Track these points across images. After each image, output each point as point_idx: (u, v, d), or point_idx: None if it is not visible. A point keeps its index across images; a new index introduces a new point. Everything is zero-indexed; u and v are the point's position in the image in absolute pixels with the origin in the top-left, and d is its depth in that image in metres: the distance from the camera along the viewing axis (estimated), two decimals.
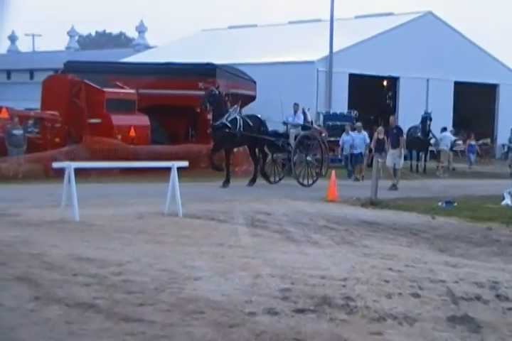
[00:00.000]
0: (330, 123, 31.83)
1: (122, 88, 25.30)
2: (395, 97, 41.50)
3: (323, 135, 26.96)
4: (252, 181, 19.90)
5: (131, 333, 5.58)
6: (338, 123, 31.14)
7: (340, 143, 24.44)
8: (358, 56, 37.29)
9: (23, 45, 75.93)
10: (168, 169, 13.14)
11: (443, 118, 34.71)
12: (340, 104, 35.40)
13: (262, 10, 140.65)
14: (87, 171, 17.34)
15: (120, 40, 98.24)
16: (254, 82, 30.25)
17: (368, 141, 23.39)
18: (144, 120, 24.24)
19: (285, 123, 20.96)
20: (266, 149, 20.68)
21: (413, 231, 11.60)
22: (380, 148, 21.50)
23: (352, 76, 37.58)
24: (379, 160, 18.15)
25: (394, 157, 20.28)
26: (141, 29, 64.20)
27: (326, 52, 35.88)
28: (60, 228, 10.78)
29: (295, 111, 21.15)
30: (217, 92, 19.76)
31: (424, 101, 38.62)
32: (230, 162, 19.85)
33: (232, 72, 29.01)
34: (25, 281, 7.11)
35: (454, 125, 38.06)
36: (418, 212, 14.14)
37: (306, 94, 35.09)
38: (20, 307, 6.19)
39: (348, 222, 12.45)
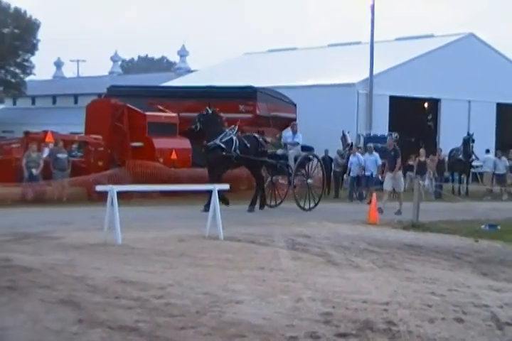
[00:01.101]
0: (370, 145, 31.71)
1: (164, 111, 25.60)
2: (436, 119, 41.16)
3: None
4: (252, 205, 18.81)
5: None
6: (379, 145, 30.98)
7: (348, 165, 24.22)
8: (399, 78, 37.18)
9: (68, 71, 77.66)
10: (209, 192, 13.22)
11: (485, 140, 34.32)
12: (381, 126, 35.24)
13: (302, 33, 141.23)
14: (128, 194, 17.52)
15: (162, 64, 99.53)
16: (295, 105, 30.35)
17: (379, 162, 23.10)
18: (185, 143, 24.43)
19: (284, 144, 20.12)
20: (264, 171, 19.87)
21: (456, 254, 11.46)
22: (421, 170, 21.25)
23: (392, 98, 37.44)
24: (420, 182, 18.00)
25: (393, 180, 19.36)
26: (182, 53, 65.10)
27: (367, 75, 35.84)
28: (103, 251, 10.88)
29: (294, 131, 20.23)
30: (209, 112, 18.78)
31: (466, 123, 38.25)
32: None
33: (272, 94, 29.17)
34: (69, 304, 7.17)
35: (497, 147, 37.57)
36: (461, 234, 13.99)
37: (346, 116, 35.13)
38: (65, 330, 6.24)
39: (390, 245, 12.35)
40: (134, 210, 16.53)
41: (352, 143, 28.35)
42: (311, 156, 20.35)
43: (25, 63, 63.27)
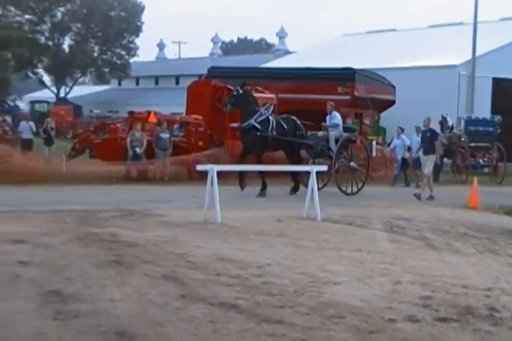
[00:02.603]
0: (471, 128, 30.87)
1: (262, 92, 25.72)
2: None
3: (463, 140, 26.18)
4: (294, 190, 17.79)
5: (272, 334, 5.69)
6: (481, 128, 30.15)
7: (391, 146, 23.14)
8: (503, 59, 35.94)
9: (170, 53, 79.10)
10: (308, 173, 13.27)
11: None
12: (483, 109, 34.21)
13: (401, 14, 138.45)
14: (227, 174, 17.76)
15: (261, 46, 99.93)
16: (394, 87, 29.89)
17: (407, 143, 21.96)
18: None
19: (324, 127, 18.73)
20: (305, 154, 18.80)
21: None
22: None
23: (496, 80, 36.27)
24: None
25: (426, 164, 17.93)
26: (281, 35, 65.08)
27: (469, 56, 34.81)
28: (203, 229, 11.11)
29: (330, 111, 18.81)
30: (240, 92, 17.75)
31: None
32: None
33: (371, 76, 28.82)
34: (171, 280, 7.39)
35: None
36: None
37: (447, 98, 34.28)
38: (168, 304, 6.45)
39: (491, 230, 12.08)
40: (232, 190, 16.75)
41: (453, 126, 27.68)
42: (353, 137, 19.00)
43: (130, 45, 64.90)
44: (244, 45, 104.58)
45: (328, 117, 18.71)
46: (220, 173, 13.05)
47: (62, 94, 65.62)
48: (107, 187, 18.00)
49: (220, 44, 75.73)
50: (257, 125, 17.33)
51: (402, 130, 22.83)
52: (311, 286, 7.30)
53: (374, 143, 22.39)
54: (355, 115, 28.03)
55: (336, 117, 18.60)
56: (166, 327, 5.80)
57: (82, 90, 71.60)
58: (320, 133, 18.61)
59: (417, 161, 20.93)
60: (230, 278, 7.58)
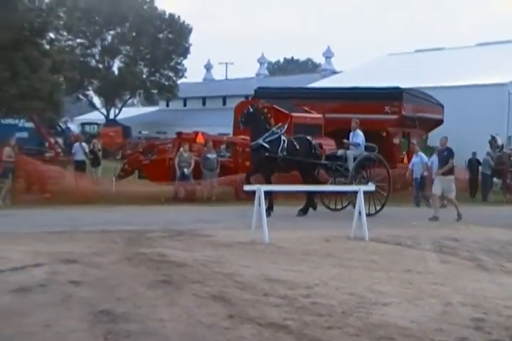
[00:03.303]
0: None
1: (309, 112, 25.78)
2: None
3: None
4: (303, 211, 17.22)
5: None
6: None
7: (410, 166, 22.14)
8: None
9: (217, 73, 79.92)
10: (355, 193, 13.22)
11: None
12: None
13: (449, 33, 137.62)
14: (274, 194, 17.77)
15: (307, 66, 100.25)
16: (442, 106, 29.67)
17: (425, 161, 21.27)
18: (331, 144, 24.47)
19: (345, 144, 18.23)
20: (325, 173, 18.27)
21: None
22: None
23: None
24: None
25: (443, 184, 17.02)
26: (328, 55, 65.23)
27: None
28: (251, 249, 11.13)
29: (354, 129, 18.03)
30: (251, 110, 17.52)
31: None
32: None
33: (418, 95, 28.68)
34: (219, 300, 7.41)
35: None
36: None
37: (496, 117, 33.94)
38: (216, 324, 6.46)
39: None
40: (279, 209, 16.79)
41: (503, 145, 27.31)
42: (372, 156, 18.13)
43: (178, 66, 65.79)
44: (290, 66, 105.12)
45: (351, 134, 18.08)
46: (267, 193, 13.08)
47: (111, 116, 66.73)
48: (156, 208, 18.20)
49: (266, 64, 76.23)
50: (265, 144, 16.93)
51: (419, 148, 22.38)
52: (359, 307, 7.25)
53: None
54: (403, 134, 27.88)
55: (359, 136, 17.93)
56: None
57: (131, 111, 72.73)
58: (339, 152, 18.17)
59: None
60: (278, 298, 7.57)
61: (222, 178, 21.19)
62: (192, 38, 65.94)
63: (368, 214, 16.46)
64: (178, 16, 65.08)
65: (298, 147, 17.43)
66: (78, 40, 64.56)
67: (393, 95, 27.03)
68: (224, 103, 62.18)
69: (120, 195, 19.37)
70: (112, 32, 65.66)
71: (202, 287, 7.99)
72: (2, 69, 24.66)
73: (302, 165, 17.67)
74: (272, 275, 8.78)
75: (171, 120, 59.97)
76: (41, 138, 32.70)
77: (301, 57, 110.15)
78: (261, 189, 12.43)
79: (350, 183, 16.91)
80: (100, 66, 65.92)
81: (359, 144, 17.84)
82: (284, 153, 17.08)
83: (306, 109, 26.07)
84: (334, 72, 58.55)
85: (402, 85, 28.64)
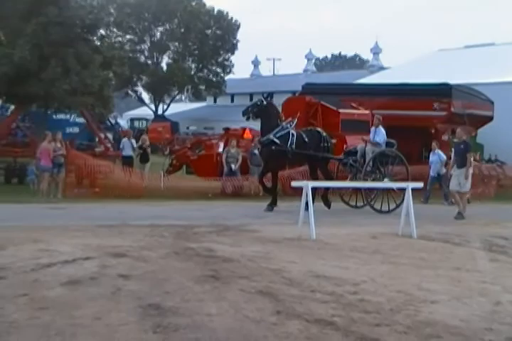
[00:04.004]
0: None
1: (357, 109, 25.63)
2: None
3: None
4: (326, 205, 17.10)
5: None
6: None
7: (429, 163, 21.16)
8: None
9: (265, 69, 79.99)
10: (402, 190, 13.12)
11: None
12: None
13: (499, 28, 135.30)
14: (321, 190, 17.74)
15: (355, 62, 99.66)
16: (492, 102, 29.18)
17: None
18: None
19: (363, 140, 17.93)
20: (343, 169, 17.98)
21: None
22: None
23: None
24: None
25: (459, 179, 16.26)
26: (376, 50, 64.73)
27: None
28: (298, 245, 11.14)
29: (376, 125, 17.73)
30: (264, 103, 17.39)
31: None
32: (277, 183, 17.54)
33: (468, 92, 28.25)
34: (266, 295, 7.44)
35: None
36: None
37: None
38: (264, 320, 6.50)
39: None
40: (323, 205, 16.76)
41: None
42: (389, 152, 17.57)
43: (226, 62, 65.99)
44: (338, 61, 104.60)
45: (372, 130, 17.83)
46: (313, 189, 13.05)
47: (160, 111, 67.28)
48: (203, 203, 18.33)
49: (314, 60, 75.97)
50: (276, 140, 16.75)
51: (437, 145, 21.59)
52: (407, 304, 7.21)
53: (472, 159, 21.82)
54: (452, 131, 27.52)
55: (380, 133, 17.55)
56: None
57: (179, 107, 73.20)
58: (359, 147, 17.84)
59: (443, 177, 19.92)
60: (325, 294, 7.58)
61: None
62: (240, 34, 66.09)
63: (381, 211, 16.66)
64: (226, 12, 65.27)
65: (307, 140, 17.17)
66: (128, 37, 65.21)
67: (442, 91, 26.67)
68: (271, 99, 62.18)
69: (168, 189, 19.55)
70: (160, 28, 66.13)
71: (249, 282, 8.03)
72: (54, 65, 25.02)
73: (313, 159, 17.43)
74: (319, 272, 8.78)
75: (218, 116, 60.18)
76: (91, 133, 33.31)
77: (349, 53, 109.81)
78: (308, 185, 12.42)
79: (365, 180, 16.65)
80: (149, 62, 66.46)
81: (379, 143, 17.48)
82: (293, 147, 16.86)
83: (354, 105, 25.89)
84: (382, 68, 58.05)
85: (451, 81, 28.25)
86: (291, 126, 17.29)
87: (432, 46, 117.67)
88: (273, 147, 16.74)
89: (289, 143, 16.85)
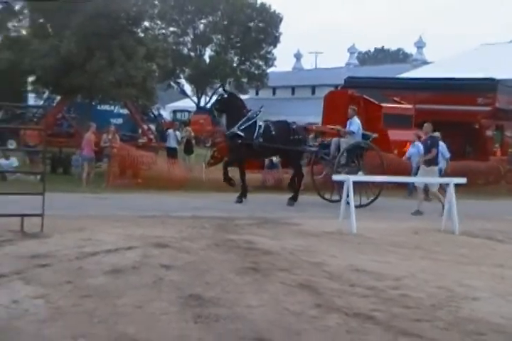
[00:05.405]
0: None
1: (399, 103, 25.42)
2: None
3: None
4: (292, 199, 16.54)
5: None
6: None
7: (407, 155, 20.51)
8: None
9: (307, 63, 79.74)
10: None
11: None
12: None
13: None
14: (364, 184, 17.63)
15: (398, 56, 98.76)
16: None
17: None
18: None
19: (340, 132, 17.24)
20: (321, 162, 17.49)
21: None
22: None
23: None
24: None
25: (425, 176, 15.47)
26: (419, 44, 64.13)
27: None
28: (338, 239, 11.14)
29: (351, 116, 17.05)
30: (225, 96, 16.90)
31: None
32: (244, 175, 16.78)
33: None
34: (306, 288, 7.46)
35: None
36: None
37: None
38: (304, 312, 6.52)
39: None
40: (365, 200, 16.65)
41: None
42: (363, 144, 17.00)
43: (268, 55, 65.93)
44: (381, 55, 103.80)
45: (348, 122, 17.15)
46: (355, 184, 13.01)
47: (202, 104, 67.53)
48: None
49: (356, 54, 75.54)
50: (240, 133, 16.14)
51: (418, 137, 20.40)
52: (448, 301, 7.16)
53: None
54: (496, 127, 27.15)
55: (355, 124, 16.87)
56: (302, 336, 5.87)
57: None
58: (333, 139, 17.27)
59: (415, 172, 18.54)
60: (365, 289, 7.57)
61: (308, 167, 21.14)
62: (282, 27, 65.94)
63: (359, 206, 15.14)
64: (269, 5, 65.13)
65: (274, 133, 16.49)
66: (171, 29, 65.52)
67: (487, 86, 26.32)
68: (313, 92, 62.00)
69: (210, 181, 19.65)
70: (203, 21, 66.31)
71: (289, 275, 8.05)
72: (100, 57, 25.29)
73: (283, 152, 16.94)
74: (360, 266, 8.76)
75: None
76: (135, 124, 33.61)
77: (392, 46, 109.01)
78: (349, 179, 12.40)
79: (338, 172, 15.73)
80: (192, 54, 66.71)
81: (353, 132, 16.78)
82: (260, 140, 16.25)
83: (397, 99, 25.71)
84: (425, 63, 57.50)
85: (497, 76, 27.85)
86: (257, 115, 16.70)
87: (475, 41, 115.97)
88: (239, 141, 16.19)
89: (256, 135, 16.25)
